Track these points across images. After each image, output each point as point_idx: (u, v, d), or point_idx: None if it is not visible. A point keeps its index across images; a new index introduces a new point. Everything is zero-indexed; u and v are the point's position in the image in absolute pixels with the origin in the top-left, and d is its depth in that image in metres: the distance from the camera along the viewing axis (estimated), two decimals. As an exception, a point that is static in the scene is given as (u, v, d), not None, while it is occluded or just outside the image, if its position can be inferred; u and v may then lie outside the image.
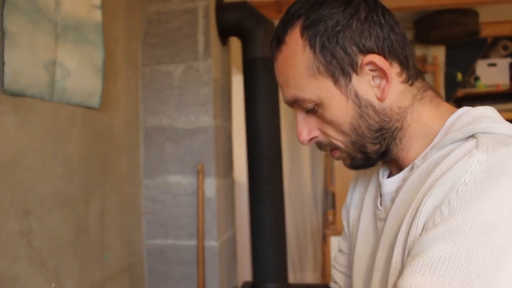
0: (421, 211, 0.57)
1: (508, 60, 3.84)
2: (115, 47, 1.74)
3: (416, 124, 0.68)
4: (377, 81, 0.66)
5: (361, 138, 0.68)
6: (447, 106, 0.70)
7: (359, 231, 0.80)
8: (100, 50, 1.52)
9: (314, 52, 0.65)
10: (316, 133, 0.71)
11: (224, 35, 2.14)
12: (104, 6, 1.57)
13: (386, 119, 0.67)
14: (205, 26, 1.95)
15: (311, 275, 3.96)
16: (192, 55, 1.95)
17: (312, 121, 0.71)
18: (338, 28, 0.64)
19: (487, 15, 3.44)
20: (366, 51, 0.64)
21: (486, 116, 0.63)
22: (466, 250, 0.50)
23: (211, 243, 1.93)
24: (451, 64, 3.72)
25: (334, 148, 0.72)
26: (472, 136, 0.60)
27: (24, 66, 1.18)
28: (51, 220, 1.31)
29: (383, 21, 0.66)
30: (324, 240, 3.70)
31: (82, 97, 1.45)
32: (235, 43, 2.39)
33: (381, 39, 0.65)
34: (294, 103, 0.70)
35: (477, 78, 3.86)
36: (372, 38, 0.64)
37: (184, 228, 1.95)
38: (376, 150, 0.70)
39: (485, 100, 3.95)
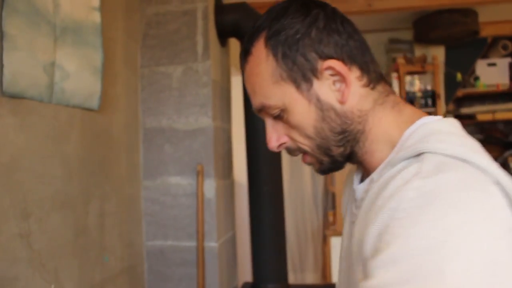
0: (369, 235, 0.59)
1: (507, 59, 3.84)
2: (114, 49, 1.74)
3: (378, 129, 0.70)
4: (338, 85, 0.69)
5: (325, 141, 0.71)
6: (409, 114, 0.71)
7: (344, 231, 0.83)
8: (99, 51, 1.52)
9: (277, 60, 0.69)
10: (284, 139, 0.74)
11: (223, 36, 2.15)
12: (103, 8, 1.57)
13: (348, 121, 0.70)
14: (204, 27, 1.95)
15: (311, 276, 3.96)
16: (191, 57, 1.96)
17: (280, 127, 0.74)
18: (298, 36, 0.68)
19: (486, 15, 3.44)
20: (325, 57, 0.68)
21: (441, 131, 0.63)
22: (406, 277, 0.50)
23: (211, 244, 1.93)
24: (451, 64, 3.73)
25: (304, 153, 0.75)
26: (420, 154, 0.60)
27: (23, 68, 1.18)
28: (51, 221, 1.31)
29: (341, 29, 0.69)
30: (325, 240, 3.70)
31: (81, 98, 1.45)
32: (234, 44, 2.39)
33: (340, 46, 0.68)
34: (262, 111, 0.73)
35: (477, 78, 3.86)
36: (331, 45, 0.68)
37: (184, 229, 1.95)
38: (341, 153, 0.72)
39: (485, 100, 3.96)
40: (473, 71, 3.89)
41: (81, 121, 1.48)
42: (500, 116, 3.87)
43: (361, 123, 0.70)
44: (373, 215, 0.60)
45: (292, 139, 0.73)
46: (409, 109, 0.72)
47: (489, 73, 3.84)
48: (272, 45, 0.69)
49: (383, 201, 0.59)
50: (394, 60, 3.71)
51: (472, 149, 0.59)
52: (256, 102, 0.73)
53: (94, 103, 1.52)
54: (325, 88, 0.69)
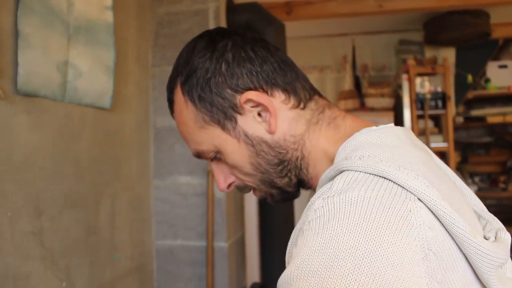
0: (287, 256, 0.58)
1: (519, 61, 3.81)
2: (126, 48, 1.75)
3: (317, 151, 0.67)
4: (263, 115, 0.66)
5: (267, 175, 0.68)
6: (348, 127, 0.67)
7: None
8: (111, 51, 1.53)
9: (195, 105, 0.66)
10: (232, 178, 0.72)
11: (234, 36, 2.14)
12: (115, 7, 1.57)
13: (283, 151, 0.67)
14: (216, 27, 1.95)
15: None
16: (202, 56, 1.95)
17: (225, 168, 0.71)
18: (208, 76, 0.65)
19: (498, 16, 3.41)
20: (241, 90, 0.64)
21: (368, 144, 0.58)
22: None
23: (221, 244, 1.93)
24: (462, 66, 3.70)
25: (253, 188, 0.72)
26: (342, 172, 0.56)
27: (37, 66, 1.19)
28: (63, 219, 1.31)
29: (253, 55, 0.66)
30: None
31: (94, 97, 1.46)
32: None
33: (255, 74, 0.65)
34: (200, 156, 0.71)
35: (487, 80, 3.83)
36: (244, 76, 0.64)
37: (194, 229, 1.95)
38: (287, 183, 0.69)
39: (495, 102, 3.93)
40: (484, 73, 3.86)
41: (93, 120, 1.48)
42: (511, 118, 3.84)
43: (298, 149, 0.67)
44: (291, 238, 0.58)
45: (237, 177, 0.71)
46: (349, 122, 0.67)
47: (500, 75, 3.81)
48: (188, 90, 0.66)
49: (298, 223, 0.57)
50: (404, 61, 3.69)
51: (400, 164, 0.53)
52: (192, 149, 0.71)
53: (106, 102, 1.53)
54: (250, 122, 0.66)
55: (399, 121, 3.55)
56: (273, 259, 2.11)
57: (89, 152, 1.46)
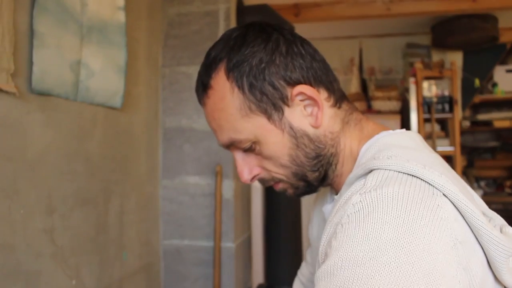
0: (321, 249, 0.60)
1: (527, 66, 3.80)
2: (137, 48, 1.76)
3: (346, 149, 0.70)
4: (309, 109, 0.67)
5: (301, 168, 0.70)
6: (370, 129, 0.70)
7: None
8: (123, 51, 1.54)
9: (244, 92, 0.66)
10: (257, 170, 0.72)
11: (243, 37, 2.15)
12: (127, 8, 1.58)
13: (321, 146, 0.69)
14: (226, 28, 1.96)
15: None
16: (212, 57, 1.96)
17: (252, 159, 0.72)
18: (263, 65, 0.65)
19: (506, 20, 3.41)
20: (293, 83, 0.66)
21: (393, 146, 0.62)
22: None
23: (228, 244, 1.94)
24: (469, 70, 3.69)
25: (277, 181, 0.73)
26: (371, 171, 0.59)
27: (51, 66, 1.20)
28: (73, 218, 1.32)
29: (303, 52, 0.68)
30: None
31: (105, 97, 1.47)
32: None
33: (305, 69, 0.67)
34: (231, 145, 0.71)
35: (495, 84, 3.83)
36: (297, 69, 0.66)
37: (201, 229, 1.96)
38: (316, 177, 0.71)
39: (502, 106, 3.92)
40: (491, 77, 3.86)
41: (104, 119, 1.49)
42: (518, 123, 3.83)
43: (334, 146, 0.69)
44: (326, 231, 0.60)
45: (265, 169, 0.71)
46: (371, 125, 0.72)
47: (508, 80, 3.81)
48: (236, 77, 0.66)
49: (332, 217, 0.59)
50: (411, 64, 3.69)
51: (423, 163, 0.56)
52: (224, 137, 0.70)
53: (117, 101, 1.54)
54: (296, 115, 0.67)
55: (405, 125, 3.55)
56: (278, 261, 2.11)
57: (99, 151, 1.47)
